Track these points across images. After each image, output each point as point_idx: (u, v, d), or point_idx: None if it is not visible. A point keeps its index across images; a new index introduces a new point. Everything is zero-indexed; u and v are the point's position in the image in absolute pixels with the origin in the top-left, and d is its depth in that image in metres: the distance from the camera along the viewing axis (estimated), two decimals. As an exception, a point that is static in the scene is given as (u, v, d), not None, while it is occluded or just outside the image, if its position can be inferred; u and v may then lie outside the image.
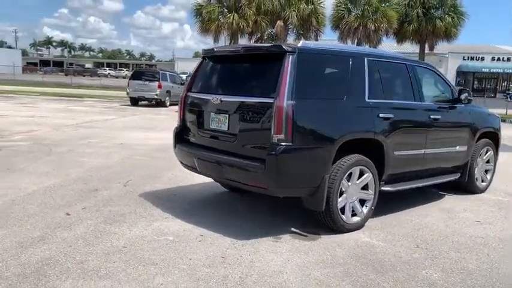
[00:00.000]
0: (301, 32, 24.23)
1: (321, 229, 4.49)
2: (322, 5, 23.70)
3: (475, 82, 50.08)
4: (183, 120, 5.06)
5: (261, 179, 4.06)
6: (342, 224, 4.41)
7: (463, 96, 5.67)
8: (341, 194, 4.42)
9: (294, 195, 4.37)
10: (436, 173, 5.67)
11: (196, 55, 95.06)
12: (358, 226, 4.59)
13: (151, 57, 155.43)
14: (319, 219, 4.44)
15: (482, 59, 47.32)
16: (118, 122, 13.90)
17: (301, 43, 4.30)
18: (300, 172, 4.10)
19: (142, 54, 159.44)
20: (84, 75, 65.44)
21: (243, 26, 22.72)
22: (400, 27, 23.18)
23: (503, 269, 3.80)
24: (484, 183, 6.44)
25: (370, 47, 23.55)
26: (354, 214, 4.59)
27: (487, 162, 6.48)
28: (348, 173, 4.41)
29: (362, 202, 4.67)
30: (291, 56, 4.04)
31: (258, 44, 4.39)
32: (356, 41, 23.15)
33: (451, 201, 5.90)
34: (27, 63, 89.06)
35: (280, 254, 3.89)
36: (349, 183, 4.48)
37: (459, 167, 5.95)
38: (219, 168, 4.42)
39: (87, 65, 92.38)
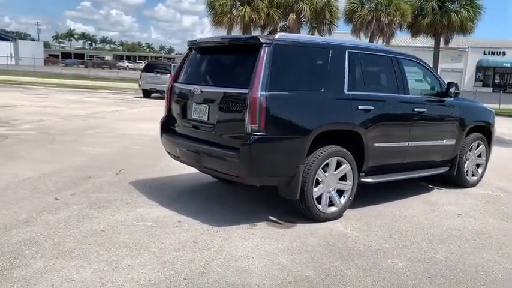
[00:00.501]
0: (315, 25, 24.14)
1: (298, 218, 4.58)
2: (335, -2, 23.61)
3: (496, 77, 49.10)
4: (169, 110, 5.20)
5: (236, 168, 4.17)
6: (317, 213, 4.50)
7: (451, 90, 5.67)
8: (317, 183, 4.50)
9: (269, 184, 4.47)
10: (423, 166, 5.69)
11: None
12: (336, 216, 4.67)
13: (171, 50, 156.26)
14: (296, 208, 4.53)
15: (504, 53, 46.35)
16: (126, 114, 14.15)
17: (278, 35, 4.37)
18: (273, 162, 4.20)
19: (162, 47, 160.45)
20: (103, 68, 66.40)
21: (255, 18, 22.78)
22: (414, 20, 22.89)
23: (471, 260, 3.84)
24: (474, 178, 6.43)
25: (383, 40, 23.40)
26: (331, 204, 4.66)
27: (479, 156, 6.46)
28: (325, 163, 4.48)
29: (340, 192, 4.74)
30: (266, 48, 4.13)
31: (237, 36, 4.47)
32: (369, 34, 22.97)
33: (438, 195, 5.92)
34: (49, 55, 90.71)
35: (252, 240, 4.00)
36: (326, 174, 4.55)
37: (448, 160, 5.95)
38: (198, 157, 4.55)
39: (107, 58, 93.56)
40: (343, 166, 4.65)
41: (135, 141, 8.85)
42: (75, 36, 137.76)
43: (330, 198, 4.65)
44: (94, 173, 6.14)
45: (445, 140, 5.75)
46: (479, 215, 5.11)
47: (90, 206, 4.71)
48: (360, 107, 4.68)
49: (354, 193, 4.81)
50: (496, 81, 48.06)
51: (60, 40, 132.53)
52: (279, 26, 24.94)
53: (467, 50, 46.17)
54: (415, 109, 5.27)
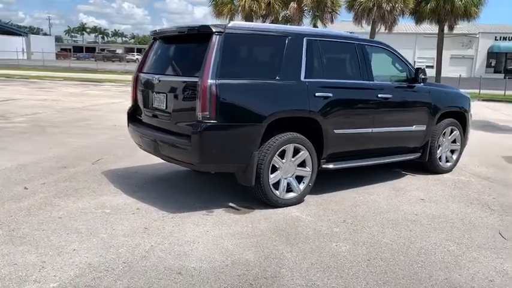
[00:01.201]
0: (317, 14, 23.98)
1: (256, 204, 4.65)
2: (337, -14, 23.38)
3: (509, 63, 48.20)
4: (135, 100, 5.29)
5: (188, 155, 4.26)
6: (275, 199, 4.56)
7: (419, 76, 5.65)
8: (275, 170, 4.56)
9: (224, 171, 4.56)
10: (391, 152, 5.71)
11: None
12: (295, 201, 4.73)
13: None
14: (253, 194, 4.61)
15: (516, 39, 45.48)
16: (123, 106, 14.24)
17: (231, 23, 4.42)
18: (226, 149, 4.27)
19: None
20: (113, 61, 66.79)
21: (255, 8, 22.71)
22: (416, 6, 22.59)
23: (417, 243, 3.87)
24: (449, 163, 6.42)
25: (385, 27, 23.15)
26: (290, 190, 4.72)
27: (453, 142, 6.43)
28: (281, 150, 4.54)
29: (300, 179, 4.79)
30: (217, 37, 4.18)
31: (190, 25, 4.52)
32: (371, 22, 22.74)
33: (407, 180, 5.93)
34: (61, 49, 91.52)
35: (203, 226, 4.09)
36: (284, 160, 4.61)
37: (418, 146, 5.95)
38: (156, 145, 4.64)
39: (118, 51, 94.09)
40: (302, 153, 4.70)
41: (122, 132, 8.92)
42: (87, 30, 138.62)
43: (288, 184, 4.71)
44: (71, 163, 6.28)
45: (414, 126, 5.75)
46: (442, 200, 5.12)
47: (56, 195, 4.85)
48: (317, 94, 4.71)
49: (313, 179, 4.86)
50: (508, 67, 47.15)
51: (72, 34, 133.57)
52: (281, 15, 24.86)
53: (478, 35, 45.41)
54: (379, 95, 5.28)
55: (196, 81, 4.12)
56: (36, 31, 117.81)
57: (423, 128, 5.85)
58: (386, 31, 23.38)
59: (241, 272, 3.26)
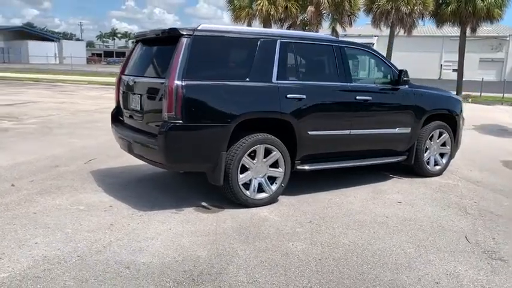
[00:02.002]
0: (336, 17, 23.86)
1: (228, 204, 4.71)
2: (356, -11, 23.18)
3: (541, 66, 46.56)
4: (117, 101, 5.45)
5: (156, 155, 4.38)
6: (244, 198, 4.62)
7: (401, 78, 5.61)
8: (245, 170, 4.63)
9: (193, 171, 4.67)
10: (373, 154, 5.68)
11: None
12: (266, 202, 4.77)
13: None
14: (224, 193, 4.68)
15: (549, 41, 43.92)
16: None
17: (201, 26, 4.52)
18: (192, 149, 4.36)
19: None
20: (141, 65, 67.92)
21: (272, 12, 22.77)
22: (437, 9, 22.14)
23: (376, 245, 3.86)
24: (438, 167, 6.32)
25: (404, 31, 22.81)
26: (262, 190, 4.77)
27: (443, 145, 6.34)
28: (251, 150, 4.59)
29: (273, 179, 4.84)
30: (185, 39, 4.29)
31: (161, 28, 4.65)
32: (389, 25, 22.44)
33: (391, 183, 5.88)
34: (92, 54, 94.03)
35: (168, 224, 4.19)
36: (254, 161, 4.66)
37: (404, 149, 5.90)
38: (130, 145, 4.78)
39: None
40: (273, 153, 4.75)
41: (124, 133, 9.20)
42: (118, 35, 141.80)
43: (260, 184, 4.76)
44: (65, 162, 6.51)
45: (397, 129, 5.70)
46: (419, 203, 5.06)
47: (39, 192, 5.04)
48: (289, 96, 4.75)
49: (287, 180, 4.90)
50: (541, 70, 45.52)
51: (104, 39, 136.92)
52: (300, 19, 24.85)
53: (508, 38, 44.10)
54: (357, 97, 5.27)
55: (163, 82, 4.23)
56: (69, 37, 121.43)
57: (407, 130, 5.79)
58: (405, 34, 23.04)
59: (188, 268, 3.33)
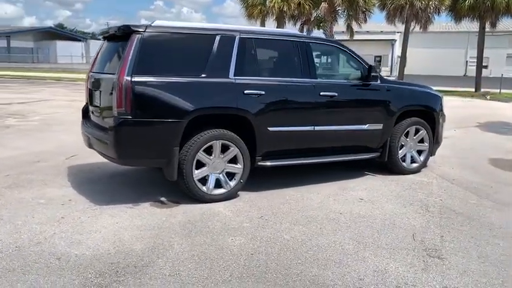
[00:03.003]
0: (351, 13, 23.58)
1: (187, 199, 4.74)
2: (370, -16, 22.84)
3: None
4: (86, 98, 5.57)
5: (108, 149, 4.46)
6: (200, 194, 4.66)
7: (370, 74, 5.53)
8: (202, 165, 4.66)
9: (146, 166, 4.73)
10: (341, 151, 5.62)
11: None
12: (224, 197, 4.79)
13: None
14: (180, 189, 4.73)
15: None
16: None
17: (155, 23, 4.58)
18: (143, 144, 4.43)
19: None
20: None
21: (285, 9, 22.67)
22: (454, 3, 21.57)
23: (315, 241, 3.84)
24: (415, 164, 6.20)
25: (420, 27, 22.32)
26: (221, 186, 4.80)
27: (420, 142, 6.21)
28: (207, 146, 4.63)
29: (232, 175, 4.86)
30: (137, 35, 4.36)
31: (117, 25, 4.73)
32: (403, 20, 22.01)
33: (362, 180, 5.80)
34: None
35: (117, 218, 4.27)
36: (211, 157, 4.69)
37: (376, 145, 5.82)
38: (89, 140, 4.89)
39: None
40: (231, 149, 4.76)
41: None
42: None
43: (218, 180, 4.78)
44: (47, 158, 6.69)
45: (367, 125, 5.62)
46: (382, 201, 4.99)
47: (9, 186, 5.21)
48: (246, 92, 4.76)
49: (246, 176, 4.91)
50: None
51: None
52: (314, 16, 24.68)
53: (536, 33, 42.50)
54: (322, 93, 5.22)
55: (114, 78, 4.31)
56: (98, 37, 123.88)
57: (379, 127, 5.71)
58: (421, 30, 22.54)
59: (117, 260, 3.39)
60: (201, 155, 4.62)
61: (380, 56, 46.86)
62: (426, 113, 6.17)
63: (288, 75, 5.16)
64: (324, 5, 21.99)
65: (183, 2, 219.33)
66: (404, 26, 22.34)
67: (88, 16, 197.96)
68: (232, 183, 4.84)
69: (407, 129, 6.00)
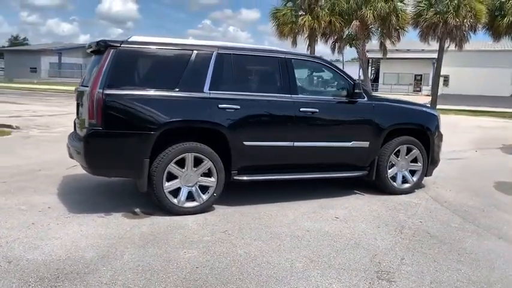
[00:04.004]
0: (384, 31, 23.28)
1: (161, 211, 4.79)
2: (404, 2, 22.48)
3: None
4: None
5: (81, 159, 4.62)
6: (171, 206, 4.71)
7: (354, 91, 5.45)
8: (174, 178, 4.73)
9: (115, 176, 4.85)
10: (323, 168, 5.54)
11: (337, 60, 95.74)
12: (196, 211, 4.82)
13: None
14: (152, 200, 4.81)
15: None
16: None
17: (132, 38, 4.74)
18: (113, 155, 4.55)
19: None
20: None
21: (315, 27, 22.68)
22: (491, 21, 20.85)
23: (268, 258, 3.79)
24: (407, 185, 6.00)
25: (455, 45, 21.70)
26: (193, 199, 4.84)
27: (414, 162, 6.01)
28: (179, 158, 4.69)
29: (205, 188, 4.89)
30: (111, 50, 4.53)
31: (96, 40, 4.91)
32: (436, 38, 21.48)
33: (345, 199, 5.65)
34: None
35: (84, 226, 4.38)
36: (183, 170, 4.75)
37: (363, 163, 5.69)
38: (69, 150, 5.07)
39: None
40: (204, 162, 4.81)
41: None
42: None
43: (191, 193, 4.83)
44: (50, 167, 6.97)
45: (351, 142, 5.52)
46: (357, 220, 4.86)
47: (1, 192, 5.46)
48: (221, 106, 4.80)
49: (220, 190, 4.92)
50: None
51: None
52: (346, 34, 24.54)
53: None
54: (302, 109, 5.19)
55: (88, 91, 4.48)
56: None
57: (365, 144, 5.59)
58: (456, 49, 21.89)
59: (63, 266, 3.48)
60: (173, 167, 4.69)
61: (420, 75, 45.95)
62: (419, 132, 5.98)
63: (266, 90, 5.17)
64: (355, 23, 21.86)
65: (230, 20, 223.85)
66: (438, 44, 21.78)
67: (138, 34, 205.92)
68: (205, 197, 4.86)
69: (398, 148, 5.84)
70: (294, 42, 24.47)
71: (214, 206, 5.07)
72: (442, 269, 3.68)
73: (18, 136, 10.33)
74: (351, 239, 4.29)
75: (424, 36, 21.61)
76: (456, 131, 14.76)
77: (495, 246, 4.24)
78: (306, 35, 23.86)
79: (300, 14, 23.91)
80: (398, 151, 5.87)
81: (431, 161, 6.11)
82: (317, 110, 5.28)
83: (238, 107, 4.88)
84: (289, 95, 5.18)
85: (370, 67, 50.58)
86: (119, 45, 4.56)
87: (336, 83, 5.72)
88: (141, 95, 4.56)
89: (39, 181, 6.06)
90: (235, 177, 5.03)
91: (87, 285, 3.21)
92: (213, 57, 4.89)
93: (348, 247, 4.08)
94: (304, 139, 5.25)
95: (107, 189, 5.79)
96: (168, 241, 4.08)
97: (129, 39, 4.69)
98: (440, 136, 6.22)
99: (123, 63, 4.54)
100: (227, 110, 4.84)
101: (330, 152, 5.46)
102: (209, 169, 4.85)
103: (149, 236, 4.18)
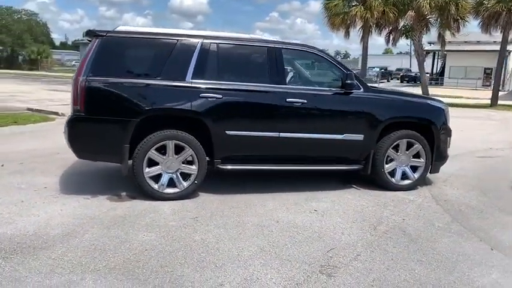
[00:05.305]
0: (443, 22, 22.03)
1: (144, 195, 4.96)
2: (464, -9, 21.11)
3: None
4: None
5: (67, 143, 4.88)
6: (151, 191, 4.87)
7: (346, 82, 5.28)
8: (156, 164, 4.88)
9: (99, 161, 5.06)
10: (313, 160, 5.45)
11: (386, 51, 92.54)
12: (177, 197, 4.93)
13: (346, 55, 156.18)
14: (135, 184, 4.99)
15: None
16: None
17: (119, 27, 4.92)
18: (95, 139, 4.77)
19: (337, 53, 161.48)
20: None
21: (367, 18, 21.93)
22: None
23: (222, 244, 3.83)
24: (407, 181, 5.73)
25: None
26: (175, 185, 4.96)
27: (416, 157, 5.74)
28: (159, 145, 4.83)
29: (187, 175, 5.00)
30: (97, 39, 4.74)
31: (87, 30, 5.13)
32: (500, 29, 19.97)
33: (336, 193, 5.47)
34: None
35: (67, 206, 4.64)
36: (165, 156, 4.89)
37: (357, 157, 5.52)
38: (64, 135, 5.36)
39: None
40: (186, 150, 4.91)
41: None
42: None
43: (172, 179, 4.95)
44: (69, 150, 7.38)
45: (344, 135, 5.37)
46: (336, 214, 4.74)
47: (12, 172, 5.92)
48: (202, 95, 4.87)
49: (201, 177, 5.00)
50: None
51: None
52: (401, 24, 23.51)
53: None
54: (288, 99, 5.12)
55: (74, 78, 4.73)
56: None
57: (359, 137, 5.41)
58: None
59: (24, 241, 3.74)
60: (153, 154, 4.82)
61: (491, 69, 42.98)
62: (423, 126, 5.68)
63: (251, 80, 5.14)
64: (410, 13, 20.88)
65: (298, 13, 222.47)
66: (502, 35, 20.29)
67: (208, 27, 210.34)
68: (186, 184, 4.96)
69: (397, 142, 5.58)
70: (347, 34, 23.87)
71: (199, 193, 5.17)
72: (395, 267, 3.52)
73: (59, 122, 10.98)
74: (317, 232, 4.21)
75: (485, 27, 20.21)
76: (508, 127, 13.82)
77: (471, 249, 3.97)
78: (359, 26, 23.18)
79: (353, 4, 23.25)
80: (398, 145, 5.61)
81: (436, 157, 5.79)
82: (305, 101, 5.18)
83: (220, 96, 4.91)
84: (276, 85, 5.13)
85: (436, 60, 48.21)
86: (104, 34, 4.75)
87: (330, 73, 5.56)
88: (122, 82, 4.73)
89: (52, 163, 6.46)
90: (219, 166, 5.08)
91: (36, 259, 3.43)
92: (198, 47, 4.95)
93: (308, 240, 4.00)
94: (291, 130, 5.18)
95: (109, 173, 6.05)
96: (135, 224, 4.23)
97: (116, 29, 4.87)
98: (448, 131, 5.87)
99: (108, 52, 4.73)
100: (209, 99, 4.89)
101: (320, 144, 5.33)
102: (192, 157, 4.93)
103: (119, 218, 4.35)
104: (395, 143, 5.58)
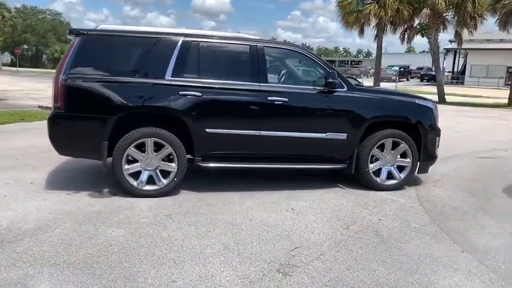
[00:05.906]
0: (460, 20, 21.57)
1: (124, 192, 5.03)
2: (481, -13, 20.59)
3: None
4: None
5: (49, 140, 4.99)
6: (130, 188, 4.94)
7: (328, 80, 5.24)
8: (135, 161, 4.95)
9: (78, 157, 5.19)
10: (295, 158, 5.44)
11: (408, 50, 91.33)
12: (156, 194, 4.99)
13: (369, 54, 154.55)
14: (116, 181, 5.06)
15: None
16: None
17: (100, 26, 4.99)
18: (73, 136, 4.85)
19: (359, 51, 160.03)
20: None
21: (381, 16, 21.63)
22: None
23: (188, 242, 3.86)
24: (392, 181, 5.66)
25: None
26: (154, 182, 5.02)
27: (402, 157, 5.66)
28: (138, 143, 4.89)
29: (167, 173, 5.04)
30: (78, 38, 4.82)
31: (69, 29, 5.23)
32: (517, 26, 19.43)
33: (318, 192, 5.42)
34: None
35: (47, 201, 4.73)
36: (144, 154, 4.94)
37: (341, 156, 5.48)
38: (49, 132, 5.48)
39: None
40: (165, 148, 4.95)
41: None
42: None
43: (151, 176, 5.01)
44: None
45: (326, 133, 5.33)
46: (312, 213, 4.72)
47: (6, 167, 6.08)
48: (181, 93, 4.91)
49: (180, 175, 5.04)
50: None
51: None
52: (416, 22, 23.12)
53: None
54: (269, 98, 5.12)
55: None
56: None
57: (342, 136, 5.37)
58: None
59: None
60: (132, 151, 4.89)
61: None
62: (410, 125, 5.60)
63: (232, 78, 5.15)
64: (425, 11, 20.52)
65: (320, 11, 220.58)
66: (519, 32, 19.76)
67: (230, 26, 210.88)
68: (166, 181, 5.01)
69: (382, 141, 5.51)
70: (361, 32, 23.63)
71: (180, 190, 5.21)
72: (355, 268, 3.48)
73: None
74: (287, 230, 4.19)
75: (502, 24, 19.71)
76: (521, 128, 13.47)
77: (441, 250, 3.90)
78: (374, 24, 22.91)
79: (367, 2, 22.99)
80: (383, 145, 5.54)
81: (424, 157, 5.70)
82: (286, 99, 5.16)
83: (200, 94, 4.94)
84: (257, 83, 5.13)
85: (458, 58, 47.32)
86: (85, 33, 4.83)
87: (312, 71, 5.53)
88: (101, 80, 4.81)
89: (45, 160, 6.59)
90: (199, 164, 5.11)
91: (1, 252, 3.51)
92: (178, 45, 4.99)
93: (275, 238, 4.00)
94: (272, 128, 5.17)
95: (97, 170, 6.10)
96: (107, 220, 4.29)
97: (97, 28, 4.95)
98: (437, 131, 5.76)
99: (88, 50, 4.81)
100: (188, 96, 4.92)
101: (302, 142, 5.31)
102: (171, 154, 4.97)
103: (94, 214, 4.42)
104: (380, 143, 5.51)
